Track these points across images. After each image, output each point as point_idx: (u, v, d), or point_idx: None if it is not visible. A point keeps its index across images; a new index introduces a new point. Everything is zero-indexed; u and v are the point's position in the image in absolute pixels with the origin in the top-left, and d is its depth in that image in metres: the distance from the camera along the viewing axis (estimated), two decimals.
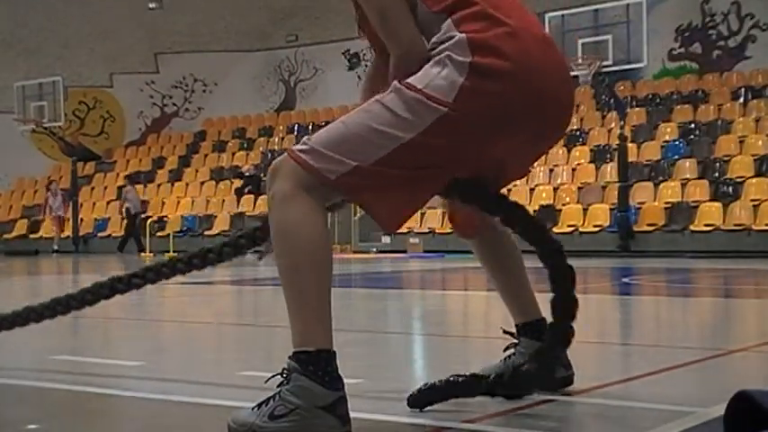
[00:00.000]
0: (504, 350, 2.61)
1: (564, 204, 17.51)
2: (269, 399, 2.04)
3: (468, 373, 2.30)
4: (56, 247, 21.53)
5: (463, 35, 2.07)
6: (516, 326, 2.58)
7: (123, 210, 21.54)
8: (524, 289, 2.58)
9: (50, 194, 22.34)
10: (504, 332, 2.62)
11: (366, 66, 22.95)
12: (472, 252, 2.65)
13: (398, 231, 17.39)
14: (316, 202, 2.06)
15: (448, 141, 2.06)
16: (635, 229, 16.16)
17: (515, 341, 2.57)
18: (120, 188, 24.31)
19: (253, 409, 2.05)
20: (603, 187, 17.51)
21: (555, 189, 18.00)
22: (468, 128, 2.06)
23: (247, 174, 22.40)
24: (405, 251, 16.83)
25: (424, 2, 2.16)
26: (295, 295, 2.06)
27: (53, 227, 22.23)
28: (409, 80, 2.08)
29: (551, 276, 2.20)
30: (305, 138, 2.13)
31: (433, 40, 2.13)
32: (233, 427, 2.05)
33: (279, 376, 2.06)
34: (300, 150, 2.08)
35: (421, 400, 2.28)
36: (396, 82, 2.10)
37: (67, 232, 22.69)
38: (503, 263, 2.60)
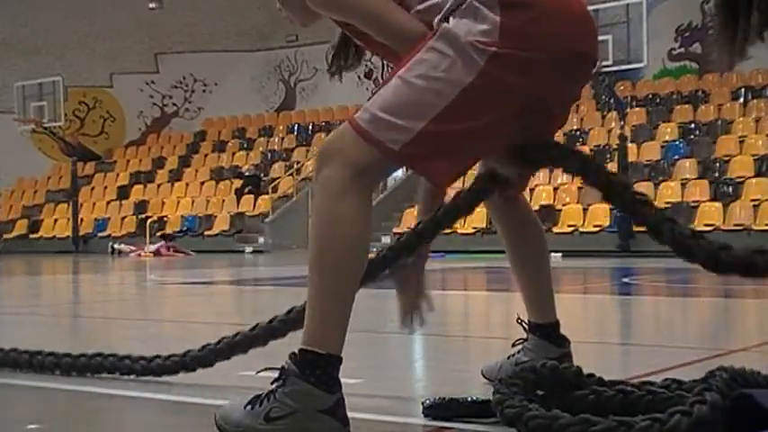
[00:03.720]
0: (513, 345, 2.59)
1: (564, 204, 17.51)
2: (262, 398, 1.99)
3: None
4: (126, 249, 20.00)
5: None
6: (529, 322, 2.55)
7: None
8: (545, 288, 2.54)
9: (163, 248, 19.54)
10: (519, 321, 2.59)
11: (366, 65, 22.94)
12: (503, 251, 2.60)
13: (398, 231, 17.20)
14: (368, 192, 1.99)
15: (509, 81, 1.98)
16: (635, 229, 16.15)
17: (524, 337, 2.56)
18: (120, 188, 24.35)
19: (245, 407, 1.99)
20: None
21: (555, 189, 18.00)
22: (523, 64, 1.98)
23: (247, 174, 22.41)
24: None
25: None
26: (321, 294, 1.99)
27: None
28: (453, 29, 2.00)
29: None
30: (366, 104, 2.02)
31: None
32: (225, 427, 2.00)
33: (274, 372, 2.02)
34: (362, 120, 1.98)
35: (437, 411, 2.18)
36: (444, 24, 2.02)
37: (67, 232, 22.68)
38: (528, 257, 2.55)
